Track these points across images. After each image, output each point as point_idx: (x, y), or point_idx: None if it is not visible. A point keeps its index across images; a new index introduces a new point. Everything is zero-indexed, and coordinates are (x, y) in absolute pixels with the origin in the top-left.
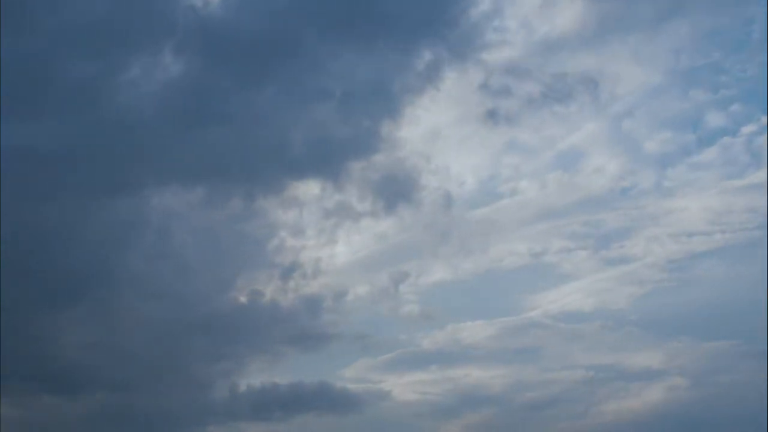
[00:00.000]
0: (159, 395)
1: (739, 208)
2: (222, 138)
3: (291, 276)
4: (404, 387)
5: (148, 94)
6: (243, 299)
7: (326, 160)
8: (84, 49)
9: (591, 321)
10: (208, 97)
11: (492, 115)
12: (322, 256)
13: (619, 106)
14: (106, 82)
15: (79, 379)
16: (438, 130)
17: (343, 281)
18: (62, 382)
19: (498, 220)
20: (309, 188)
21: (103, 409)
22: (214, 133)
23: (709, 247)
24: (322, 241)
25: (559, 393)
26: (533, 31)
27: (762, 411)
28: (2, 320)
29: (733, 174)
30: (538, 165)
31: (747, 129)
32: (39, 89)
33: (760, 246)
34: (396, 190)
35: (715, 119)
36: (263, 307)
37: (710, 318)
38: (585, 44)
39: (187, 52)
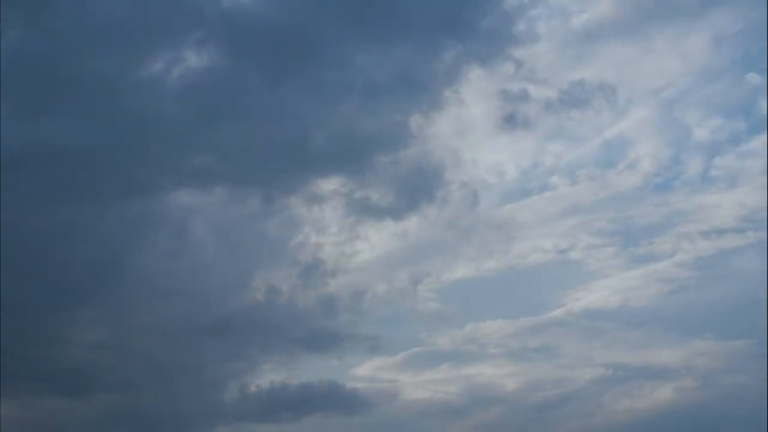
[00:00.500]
0: (168, 396)
1: None
2: (244, 133)
3: (310, 274)
4: (415, 387)
5: (169, 89)
6: (259, 298)
7: (350, 156)
8: (104, 43)
9: (614, 319)
10: (230, 92)
11: (523, 110)
12: (342, 254)
13: (663, 95)
14: (126, 78)
15: (88, 380)
16: (467, 125)
17: (363, 279)
18: (70, 383)
19: (524, 217)
20: (331, 185)
21: (110, 410)
22: (237, 128)
23: (739, 244)
24: (343, 238)
25: (572, 392)
26: (569, 21)
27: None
28: (11, 321)
29: None
30: (575, 158)
31: None
32: (57, 85)
33: None
34: (421, 187)
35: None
36: (280, 305)
37: (735, 316)
38: (623, 34)
39: (211, 46)
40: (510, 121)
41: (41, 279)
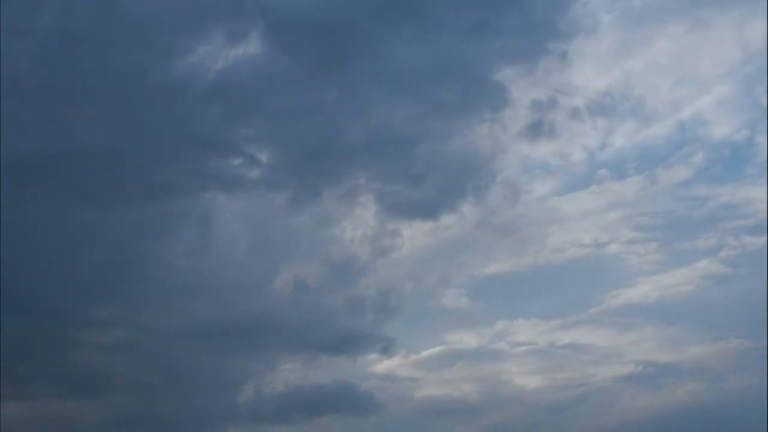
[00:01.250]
0: (183, 397)
1: None
2: (282, 128)
3: (339, 273)
4: (433, 386)
5: (205, 82)
6: (283, 298)
7: (385, 152)
8: (133, 40)
9: (650, 315)
10: (265, 87)
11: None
12: (374, 251)
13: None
14: (159, 72)
15: (104, 382)
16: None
17: (393, 277)
18: (87, 385)
19: (565, 210)
20: (365, 180)
21: (125, 411)
22: (270, 124)
23: None
24: (376, 236)
25: (592, 391)
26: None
27: None
28: (28, 323)
29: None
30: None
31: None
32: (85, 86)
33: None
34: (457, 182)
35: None
36: (304, 305)
37: None
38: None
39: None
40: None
41: (62, 280)
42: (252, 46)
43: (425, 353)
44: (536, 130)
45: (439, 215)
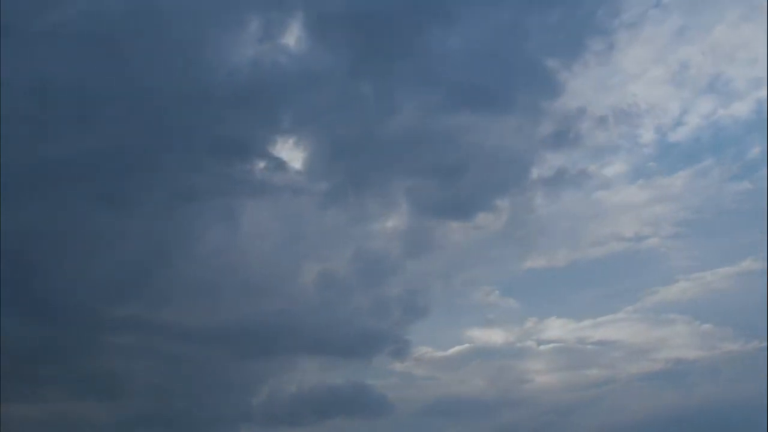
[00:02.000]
0: (198, 399)
1: None
2: (317, 125)
3: (367, 272)
4: (449, 385)
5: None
6: (307, 297)
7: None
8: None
9: (685, 313)
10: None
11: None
12: (406, 250)
13: None
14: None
15: (118, 383)
16: None
17: (421, 277)
18: (100, 387)
19: (605, 203)
20: (403, 181)
21: (138, 413)
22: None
23: None
24: (409, 234)
25: (610, 390)
26: None
27: None
28: (43, 325)
29: None
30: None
31: None
32: (106, 92)
33: None
34: (496, 180)
35: None
36: (327, 305)
37: None
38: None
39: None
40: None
41: (83, 282)
42: (291, 40)
43: (448, 352)
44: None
45: (475, 212)
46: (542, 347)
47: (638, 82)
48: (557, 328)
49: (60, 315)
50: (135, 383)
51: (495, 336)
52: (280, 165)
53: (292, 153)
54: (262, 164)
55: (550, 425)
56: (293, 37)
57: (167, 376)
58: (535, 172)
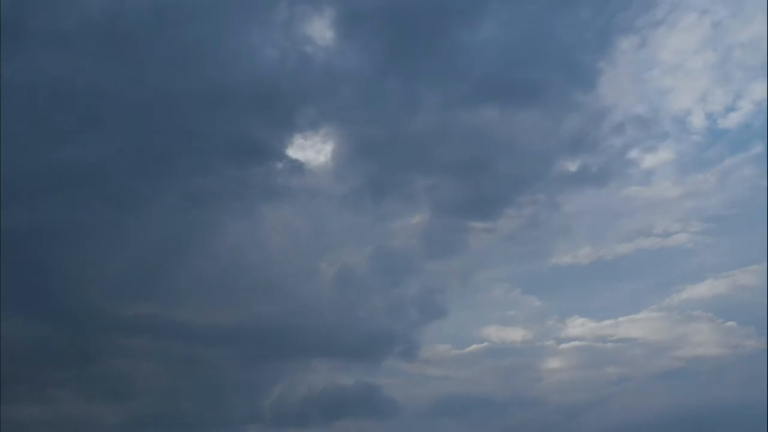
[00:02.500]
0: (204, 400)
1: None
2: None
3: (387, 272)
4: (459, 385)
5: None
6: (323, 298)
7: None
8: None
9: (711, 309)
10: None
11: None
12: (428, 250)
13: None
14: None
15: (126, 385)
16: None
17: (441, 276)
18: (110, 389)
19: (636, 199)
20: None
21: (145, 414)
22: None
23: None
24: (432, 235)
25: (629, 388)
26: None
27: None
28: (54, 328)
29: None
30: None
31: None
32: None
33: None
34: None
35: None
36: (343, 305)
37: None
38: None
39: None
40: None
41: (95, 284)
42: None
43: (465, 350)
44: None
45: (498, 209)
46: (562, 346)
47: (677, 72)
48: (578, 326)
49: (70, 316)
50: (144, 384)
51: (514, 334)
52: (297, 167)
53: (313, 151)
54: (279, 166)
55: (558, 425)
56: (321, 33)
57: (176, 377)
58: (562, 168)
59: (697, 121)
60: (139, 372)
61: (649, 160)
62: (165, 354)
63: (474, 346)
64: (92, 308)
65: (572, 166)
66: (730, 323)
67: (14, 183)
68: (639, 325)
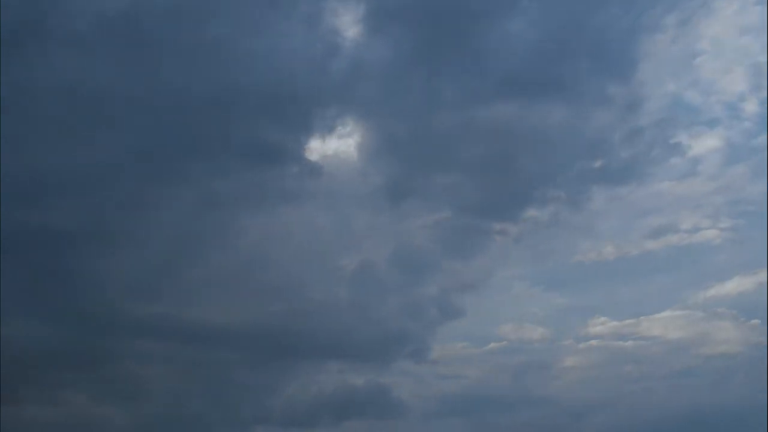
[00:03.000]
0: (213, 402)
1: None
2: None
3: (404, 273)
4: (470, 384)
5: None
6: (341, 298)
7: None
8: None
9: (735, 307)
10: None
11: None
12: (445, 248)
13: None
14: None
15: (135, 386)
16: None
17: (462, 276)
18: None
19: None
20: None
21: (154, 415)
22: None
23: None
24: (449, 233)
25: (646, 387)
26: None
27: None
28: (64, 329)
29: None
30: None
31: None
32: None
33: None
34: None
35: None
36: (361, 304)
37: None
38: None
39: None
40: None
41: (106, 287)
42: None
43: (482, 348)
44: None
45: (524, 204)
46: (581, 344)
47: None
48: (599, 325)
49: (81, 318)
50: (153, 385)
51: (533, 333)
52: (316, 169)
53: (333, 150)
54: (296, 169)
55: (571, 423)
56: (349, 28)
57: (185, 378)
58: (587, 164)
59: (751, 107)
60: (148, 373)
61: (683, 154)
62: (175, 355)
63: (492, 345)
64: (104, 310)
65: (597, 163)
66: (754, 321)
67: (28, 185)
68: (661, 323)
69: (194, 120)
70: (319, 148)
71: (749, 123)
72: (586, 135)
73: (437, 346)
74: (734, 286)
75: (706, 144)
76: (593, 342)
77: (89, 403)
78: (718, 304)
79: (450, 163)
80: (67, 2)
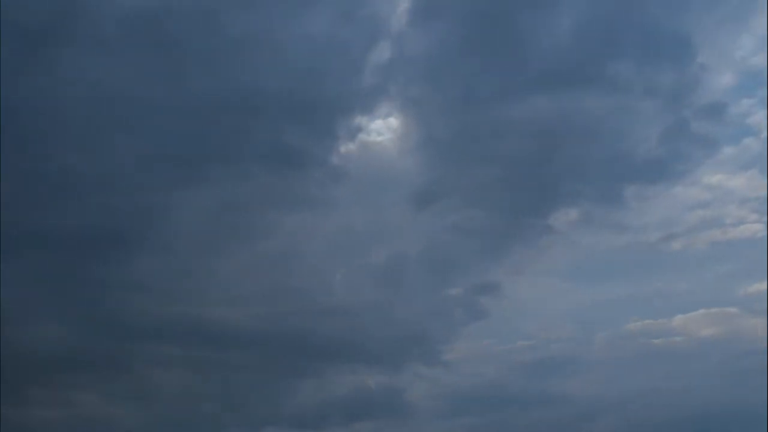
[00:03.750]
0: (224, 403)
1: None
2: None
3: (436, 272)
4: (484, 383)
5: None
6: (364, 299)
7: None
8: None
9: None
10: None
11: None
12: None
13: None
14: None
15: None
16: None
17: (492, 275)
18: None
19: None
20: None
21: (165, 416)
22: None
23: None
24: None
25: (660, 389)
26: None
27: None
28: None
29: None
30: None
31: None
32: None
33: None
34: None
35: None
36: (385, 303)
37: None
38: None
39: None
40: None
41: (118, 290)
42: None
43: (506, 346)
44: None
45: (557, 205)
46: (610, 342)
47: None
48: (631, 322)
49: (97, 320)
50: (165, 386)
51: (561, 331)
52: (343, 170)
53: (369, 142)
54: (319, 173)
55: (583, 423)
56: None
57: (197, 379)
58: (630, 158)
59: None
60: (160, 374)
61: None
62: (187, 356)
63: (518, 343)
64: (122, 312)
65: (638, 156)
66: None
67: (48, 188)
68: (694, 320)
69: (217, 122)
70: (349, 145)
71: None
72: (626, 128)
73: (461, 346)
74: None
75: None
76: (622, 341)
77: (101, 403)
78: (755, 300)
79: (485, 160)
80: (90, 5)
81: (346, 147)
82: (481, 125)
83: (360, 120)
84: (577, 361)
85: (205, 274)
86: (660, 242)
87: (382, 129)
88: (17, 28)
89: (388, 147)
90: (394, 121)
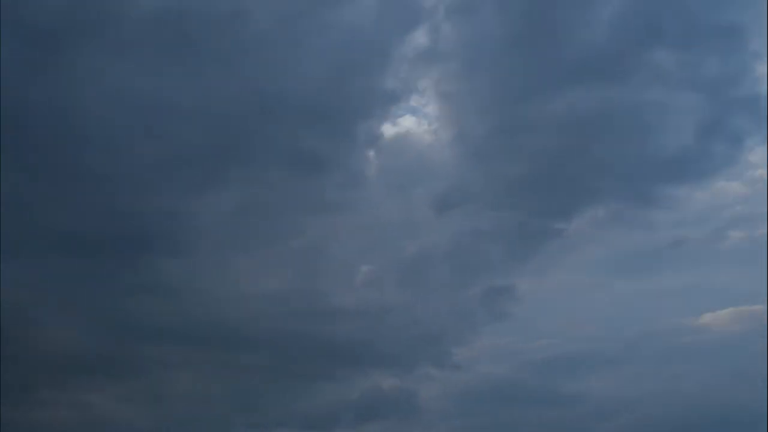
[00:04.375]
0: (234, 404)
1: None
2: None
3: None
4: (498, 381)
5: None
6: (381, 302)
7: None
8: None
9: None
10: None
11: None
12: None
13: None
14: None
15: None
16: None
17: (515, 275)
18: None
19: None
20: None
21: (176, 416)
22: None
23: None
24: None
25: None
26: None
27: None
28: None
29: None
30: None
31: None
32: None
33: None
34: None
35: None
36: (403, 305)
37: None
38: None
39: None
40: None
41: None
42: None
43: (530, 345)
44: None
45: (585, 204)
46: (632, 340)
47: None
48: (655, 320)
49: (112, 322)
50: (176, 388)
51: (583, 329)
52: (362, 175)
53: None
54: (340, 175)
55: (600, 422)
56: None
57: (208, 381)
58: (665, 155)
59: None
60: (171, 376)
61: None
62: (200, 359)
63: (541, 341)
64: (134, 315)
65: (673, 152)
66: None
67: (68, 190)
68: (721, 318)
69: (236, 125)
70: (374, 145)
71: None
72: (663, 122)
73: (479, 344)
74: None
75: None
76: (647, 339)
77: (113, 405)
78: None
79: (515, 158)
80: (110, 6)
81: (371, 147)
82: (515, 121)
83: (388, 116)
84: (597, 359)
85: (221, 276)
86: (688, 240)
87: (413, 125)
88: (37, 29)
89: (418, 144)
90: (424, 117)
